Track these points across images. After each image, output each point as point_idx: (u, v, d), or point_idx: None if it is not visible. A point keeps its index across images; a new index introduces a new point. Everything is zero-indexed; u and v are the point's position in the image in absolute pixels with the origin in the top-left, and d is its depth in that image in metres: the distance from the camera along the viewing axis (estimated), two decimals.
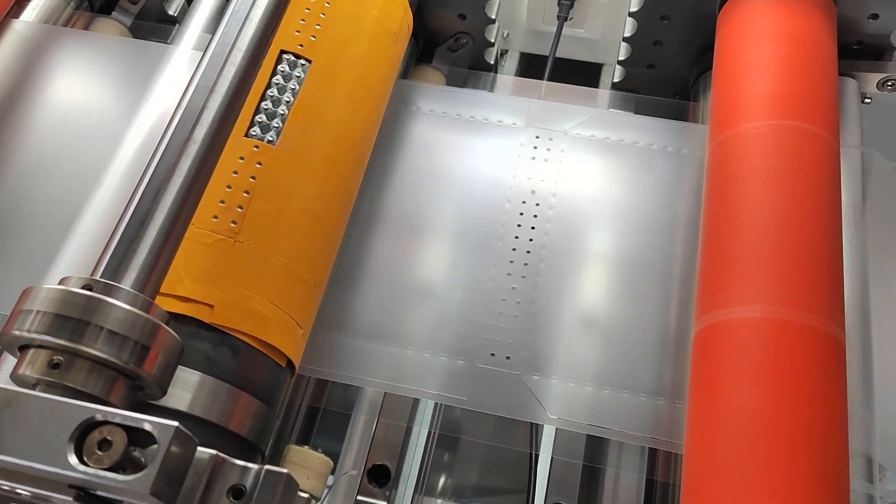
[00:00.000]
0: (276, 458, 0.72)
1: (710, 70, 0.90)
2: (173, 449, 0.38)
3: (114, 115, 0.90)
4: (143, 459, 0.39)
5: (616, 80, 1.00)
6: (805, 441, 0.54)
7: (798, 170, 0.66)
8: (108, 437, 0.38)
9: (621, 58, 0.98)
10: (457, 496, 1.04)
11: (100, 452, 0.38)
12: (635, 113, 0.97)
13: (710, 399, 0.59)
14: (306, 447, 0.74)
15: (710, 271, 0.66)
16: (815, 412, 0.56)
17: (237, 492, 0.42)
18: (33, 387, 0.44)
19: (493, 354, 0.77)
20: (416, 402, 0.85)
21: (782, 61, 0.73)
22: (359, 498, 0.80)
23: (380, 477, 0.83)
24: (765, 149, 0.68)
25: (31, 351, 0.44)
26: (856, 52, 0.88)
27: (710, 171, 0.73)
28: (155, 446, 0.39)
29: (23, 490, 0.41)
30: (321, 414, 0.86)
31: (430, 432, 0.88)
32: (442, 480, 1.04)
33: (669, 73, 0.97)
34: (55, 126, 0.89)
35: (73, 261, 0.77)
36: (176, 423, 0.38)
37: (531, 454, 0.82)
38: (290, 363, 0.64)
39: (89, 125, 0.90)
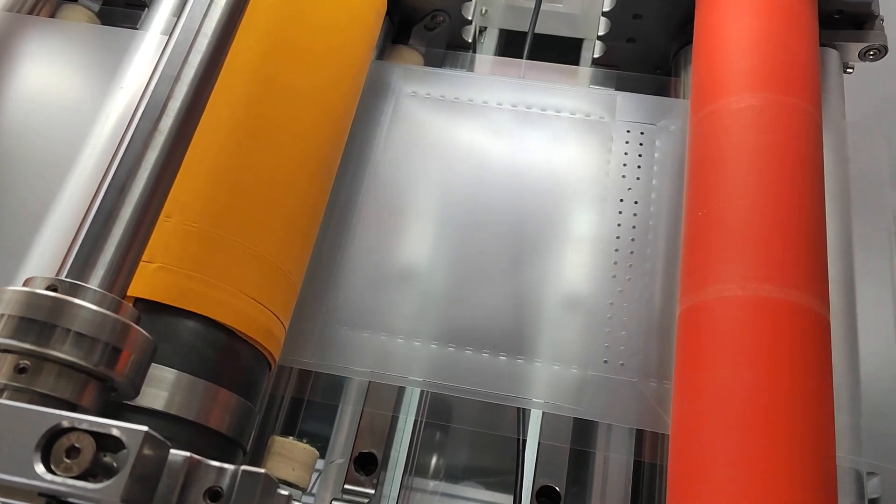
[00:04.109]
0: (262, 450, 0.71)
1: (691, 44, 0.89)
2: (144, 453, 0.37)
3: (84, 105, 0.88)
4: (114, 465, 0.38)
5: (596, 55, 0.99)
6: (791, 419, 0.54)
7: (780, 144, 0.65)
8: (77, 445, 0.37)
9: (601, 33, 0.96)
10: (446, 476, 1.04)
11: (68, 460, 0.37)
12: (616, 89, 0.96)
13: (695, 379, 0.58)
14: (291, 438, 0.73)
15: (693, 250, 0.66)
16: (800, 390, 0.55)
17: (214, 494, 0.41)
18: (1, 392, 0.42)
19: (479, 339, 0.76)
20: (401, 389, 0.84)
21: (763, 34, 0.71)
22: (346, 486, 0.79)
23: (366, 464, 0.82)
24: (746, 124, 0.67)
25: None
26: (836, 21, 0.86)
27: (691, 148, 0.72)
28: (125, 451, 0.38)
29: None
30: (307, 400, 0.85)
31: (416, 419, 0.87)
32: (431, 461, 1.04)
33: (650, 47, 0.96)
34: (22, 119, 0.87)
35: (44, 257, 0.75)
36: (145, 428, 0.37)
37: (518, 439, 0.81)
38: (269, 356, 0.63)
39: (58, 116, 0.87)
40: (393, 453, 0.85)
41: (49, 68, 0.92)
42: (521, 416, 0.83)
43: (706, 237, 0.64)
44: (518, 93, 0.89)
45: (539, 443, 0.80)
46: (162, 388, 0.54)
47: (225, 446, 0.58)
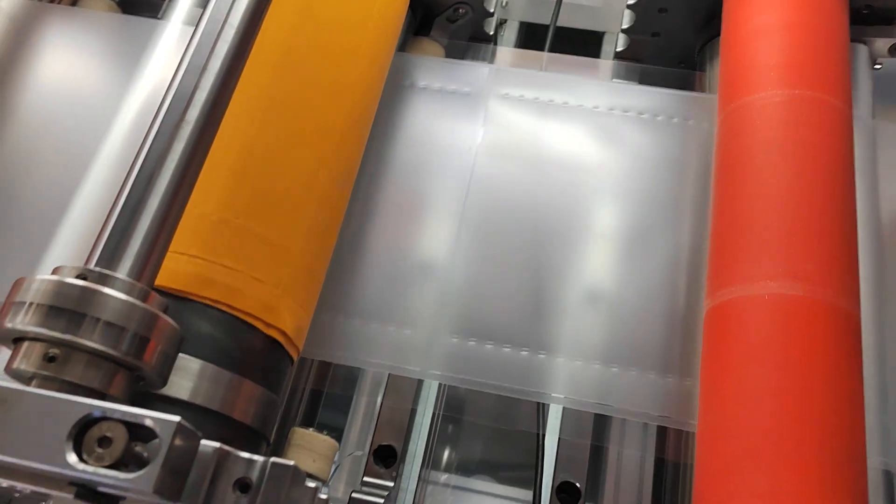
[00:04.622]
0: (281, 442, 0.71)
1: (717, 37, 0.88)
2: (176, 444, 0.37)
3: (105, 95, 0.88)
4: (145, 454, 0.38)
5: (619, 49, 0.98)
6: (820, 418, 0.53)
7: (811, 141, 0.64)
8: (108, 434, 0.37)
9: (624, 26, 0.95)
10: (464, 471, 1.04)
11: (100, 450, 0.37)
12: (640, 83, 0.95)
13: (722, 379, 0.58)
14: (311, 429, 0.73)
15: (721, 246, 0.65)
16: (830, 389, 0.54)
17: (244, 485, 0.41)
18: (29, 381, 0.42)
19: (497, 333, 0.76)
20: (420, 382, 0.84)
21: (793, 28, 0.70)
22: (365, 479, 0.79)
23: (386, 457, 0.82)
24: (776, 119, 0.66)
25: (26, 344, 0.43)
26: (865, 17, 0.85)
27: (719, 143, 0.71)
28: (157, 441, 0.37)
29: (22, 487, 0.40)
30: (325, 394, 0.86)
31: (434, 413, 0.87)
32: (448, 455, 1.04)
33: (674, 41, 0.95)
34: (44, 108, 0.87)
35: (67, 247, 0.75)
36: (178, 418, 0.37)
37: (538, 434, 0.81)
38: (293, 347, 0.63)
39: (79, 106, 0.87)
40: (411, 447, 0.85)
41: (70, 57, 0.92)
42: (541, 411, 0.82)
43: (734, 234, 0.63)
44: (597, 95, 0.88)
45: (559, 438, 0.80)
46: (187, 378, 0.54)
47: (249, 437, 0.58)
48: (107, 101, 0.87)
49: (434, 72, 0.90)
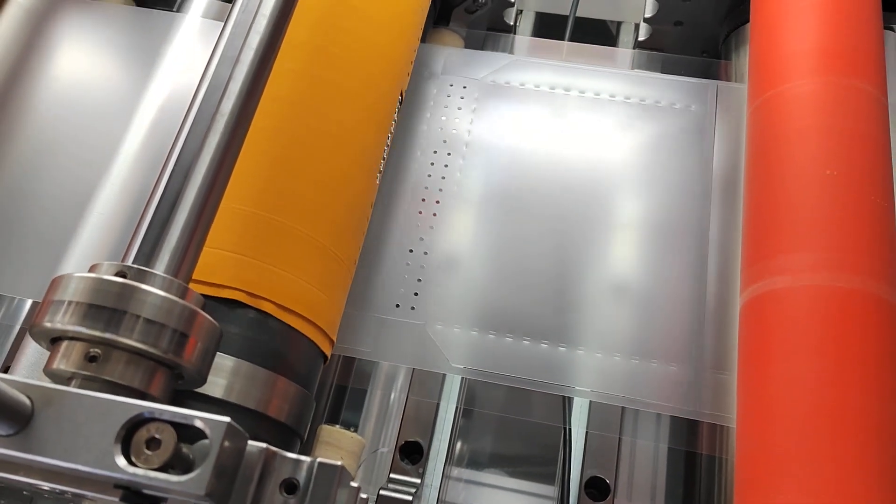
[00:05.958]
0: (309, 439, 0.70)
1: (743, 26, 0.87)
2: (226, 445, 0.36)
3: (121, 89, 0.87)
4: (190, 456, 0.37)
5: (641, 38, 0.96)
6: (863, 410, 0.52)
7: (849, 129, 0.63)
8: (157, 436, 0.36)
9: (647, 15, 0.94)
10: (484, 466, 1.03)
11: (148, 451, 0.36)
12: (662, 72, 0.93)
13: (763, 373, 0.57)
14: (338, 426, 0.72)
15: (756, 239, 0.64)
16: (872, 381, 0.53)
17: (290, 486, 0.40)
18: (68, 381, 0.41)
19: (520, 327, 0.75)
20: (443, 376, 0.83)
21: (827, 14, 0.69)
22: (391, 476, 0.79)
23: (411, 454, 0.81)
24: (812, 107, 0.65)
25: (65, 343, 0.42)
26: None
27: (752, 132, 0.69)
28: (204, 441, 0.36)
29: (62, 489, 0.39)
30: (349, 392, 0.85)
31: (457, 406, 0.86)
32: (473, 451, 1.03)
33: (699, 29, 0.93)
34: (61, 101, 0.86)
35: (89, 244, 0.74)
36: (228, 419, 0.36)
37: (564, 428, 0.80)
38: (327, 344, 0.62)
39: (96, 99, 0.86)
40: (434, 444, 0.84)
41: (88, 50, 0.91)
42: (566, 404, 0.81)
43: (771, 225, 0.62)
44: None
45: (587, 432, 0.79)
46: (220, 375, 0.53)
47: (284, 436, 0.57)
48: (124, 95, 0.85)
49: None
